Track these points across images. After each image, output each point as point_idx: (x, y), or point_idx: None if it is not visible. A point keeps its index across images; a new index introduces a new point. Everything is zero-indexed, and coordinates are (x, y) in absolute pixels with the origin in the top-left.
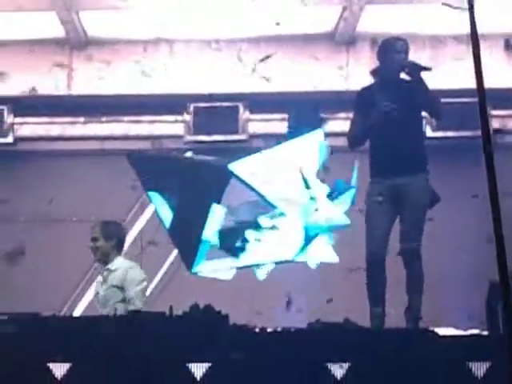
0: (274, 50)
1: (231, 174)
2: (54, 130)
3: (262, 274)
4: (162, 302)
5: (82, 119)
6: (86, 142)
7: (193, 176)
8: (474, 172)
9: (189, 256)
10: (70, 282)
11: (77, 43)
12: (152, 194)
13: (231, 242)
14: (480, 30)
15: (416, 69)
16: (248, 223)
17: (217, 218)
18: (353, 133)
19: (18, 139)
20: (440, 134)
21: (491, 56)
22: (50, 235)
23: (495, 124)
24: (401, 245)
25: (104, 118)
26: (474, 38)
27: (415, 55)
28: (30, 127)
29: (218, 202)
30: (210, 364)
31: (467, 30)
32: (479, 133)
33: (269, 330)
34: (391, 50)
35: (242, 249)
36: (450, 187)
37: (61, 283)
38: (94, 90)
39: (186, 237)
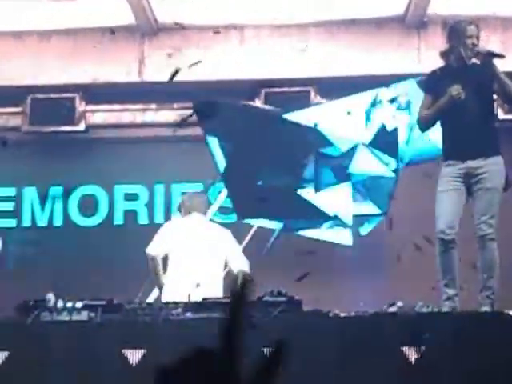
0: (343, 34)
1: (286, 123)
2: (126, 118)
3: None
4: None
5: (153, 106)
6: (157, 128)
7: (250, 124)
8: None
9: (241, 202)
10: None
11: (148, 30)
12: (210, 138)
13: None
14: None
15: (489, 55)
16: None
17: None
18: (423, 116)
19: (89, 127)
20: None
21: None
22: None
23: None
24: (475, 228)
25: (175, 105)
26: None
27: (486, 38)
28: (102, 115)
29: (273, 152)
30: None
31: None
32: None
33: (342, 314)
34: (463, 35)
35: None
36: None
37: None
38: (166, 76)
39: (239, 183)
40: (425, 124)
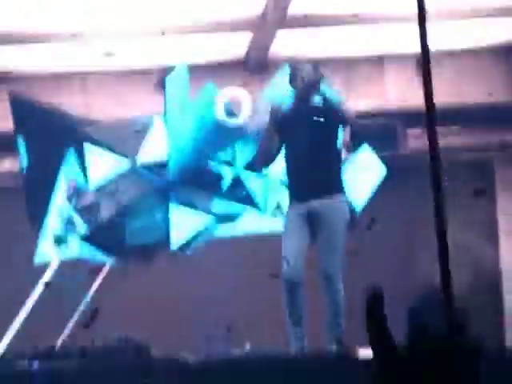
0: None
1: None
2: None
3: None
4: None
5: None
6: None
7: (55, 127)
8: None
9: (33, 207)
10: None
11: None
12: (19, 139)
13: None
14: None
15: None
16: None
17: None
18: (266, 152)
19: None
20: None
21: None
22: None
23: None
24: (319, 269)
25: None
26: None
27: (330, 79)
28: None
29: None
30: None
31: (378, 51)
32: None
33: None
34: (306, 76)
35: None
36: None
37: None
38: None
39: (36, 188)
40: (267, 161)
